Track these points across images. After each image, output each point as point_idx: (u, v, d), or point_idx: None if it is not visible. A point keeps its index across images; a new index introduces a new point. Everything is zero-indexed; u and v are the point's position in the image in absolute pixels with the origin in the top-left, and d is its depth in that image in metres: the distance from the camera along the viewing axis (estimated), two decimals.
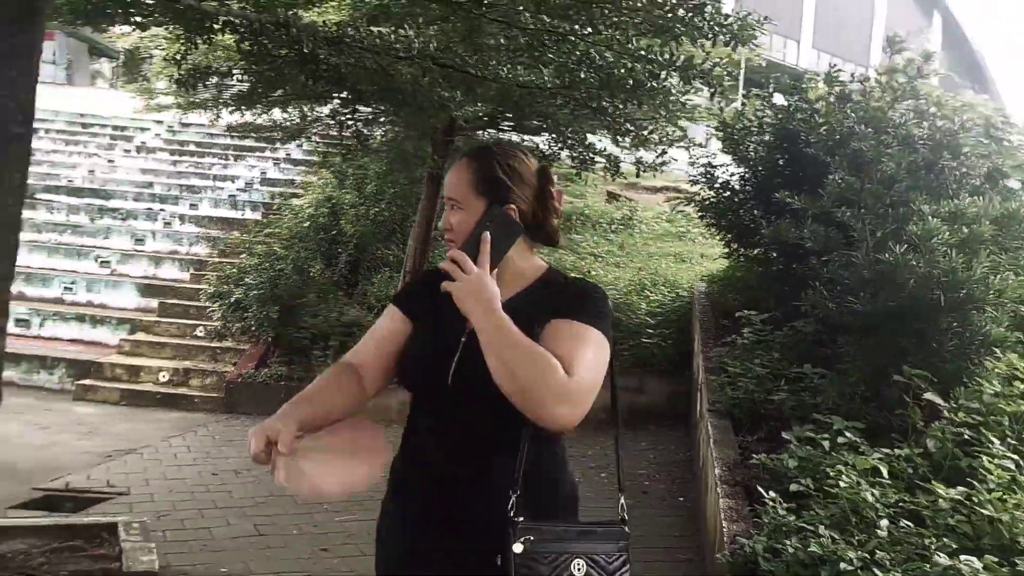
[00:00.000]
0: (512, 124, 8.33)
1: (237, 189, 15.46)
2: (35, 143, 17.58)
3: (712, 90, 4.87)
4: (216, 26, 4.65)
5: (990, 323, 4.60)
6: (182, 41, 4.92)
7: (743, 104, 8.68)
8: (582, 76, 4.94)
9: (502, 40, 4.57)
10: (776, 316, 6.46)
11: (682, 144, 7.88)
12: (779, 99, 7.22)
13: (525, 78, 5.07)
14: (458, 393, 1.85)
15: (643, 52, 4.67)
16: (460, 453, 1.87)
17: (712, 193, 7.88)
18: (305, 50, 4.35)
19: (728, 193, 7.79)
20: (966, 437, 4.01)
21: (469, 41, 4.66)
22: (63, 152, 17.16)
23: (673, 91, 5.70)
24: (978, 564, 3.03)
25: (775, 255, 7.05)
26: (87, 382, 9.09)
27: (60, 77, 25.18)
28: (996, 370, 4.42)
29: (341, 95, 7.13)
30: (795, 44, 38.05)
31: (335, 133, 10.20)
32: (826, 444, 4.26)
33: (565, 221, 14.20)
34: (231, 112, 9.91)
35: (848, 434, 4.32)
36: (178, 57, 5.33)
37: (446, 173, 2.02)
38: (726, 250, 8.25)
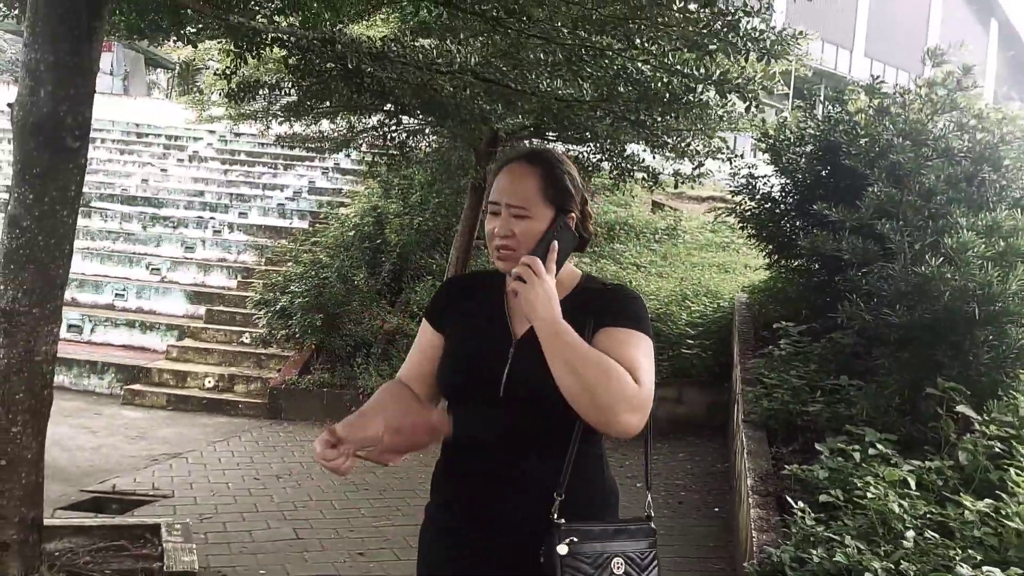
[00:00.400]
0: (556, 135, 8.41)
1: (286, 198, 15.74)
2: (91, 152, 18.13)
3: (747, 103, 4.89)
4: (265, 42, 4.80)
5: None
6: (232, 56, 5.08)
7: (785, 115, 8.65)
8: (620, 90, 5.01)
9: (541, 55, 4.66)
10: (814, 328, 6.44)
11: (723, 155, 7.89)
12: (822, 110, 7.21)
13: (564, 91, 5.16)
14: (507, 400, 1.87)
15: (679, 67, 4.73)
16: (507, 457, 1.89)
17: (753, 204, 7.88)
18: (350, 65, 4.48)
19: (769, 204, 7.78)
20: (997, 450, 4.00)
21: (509, 56, 4.76)
22: (118, 161, 17.62)
23: (711, 104, 5.75)
24: (1000, 575, 3.03)
25: (815, 266, 7.04)
26: (136, 387, 9.34)
27: (117, 87, 25.84)
28: None
29: (385, 107, 7.27)
30: (847, 52, 37.68)
31: (381, 144, 10.36)
32: (857, 456, 4.26)
33: (609, 231, 14.26)
34: (280, 123, 10.14)
35: (879, 446, 4.33)
36: (228, 72, 5.52)
37: (494, 177, 2.02)
38: (767, 261, 8.22)
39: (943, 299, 4.58)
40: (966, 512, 3.56)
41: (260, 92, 6.73)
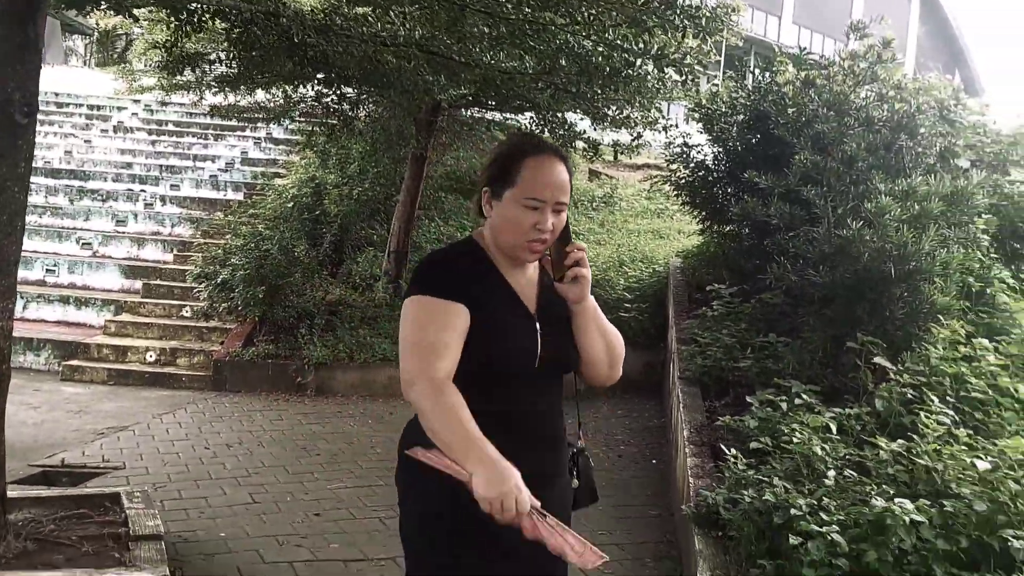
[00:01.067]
0: (495, 104, 8.56)
1: (218, 169, 15.54)
2: None
3: (683, 77, 5.14)
4: (207, 14, 4.85)
5: (937, 293, 4.93)
6: (172, 29, 5.11)
7: (717, 85, 8.93)
8: (562, 63, 5.21)
9: (485, 29, 4.81)
10: (745, 289, 6.77)
11: (659, 125, 8.15)
12: (751, 80, 7.49)
13: (507, 64, 5.32)
14: (541, 371, 2.14)
15: (619, 42, 4.94)
16: (554, 421, 2.23)
17: (687, 172, 8.16)
18: (296, 39, 4.57)
19: (703, 172, 8.08)
20: (909, 396, 4.34)
21: (453, 30, 4.90)
22: (38, 132, 17.12)
23: (649, 77, 5.98)
24: (910, 506, 3.35)
25: (746, 231, 7.36)
26: (74, 363, 9.27)
27: None
28: (941, 336, 4.73)
29: (324, 78, 7.33)
30: (776, 19, 38.31)
31: (319, 113, 10.37)
32: (784, 406, 4.58)
33: None
34: (214, 94, 10.07)
35: (804, 396, 4.65)
36: (169, 44, 5.53)
37: (518, 167, 2.08)
38: (700, 227, 8.53)
39: (862, 260, 4.91)
40: (881, 452, 3.88)
41: (198, 64, 6.72)
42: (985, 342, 4.79)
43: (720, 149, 7.65)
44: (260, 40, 4.98)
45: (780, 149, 6.25)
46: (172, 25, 5.11)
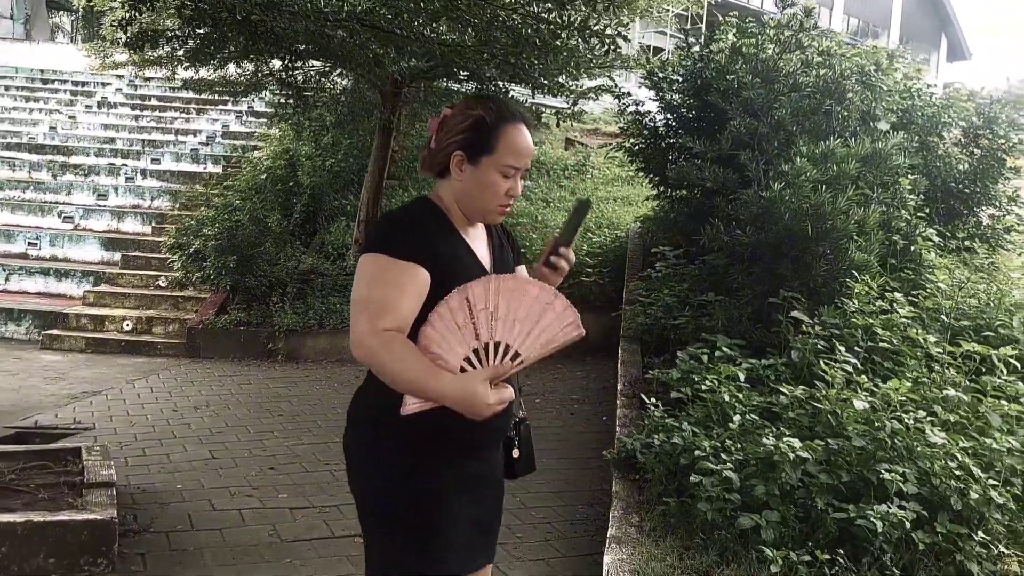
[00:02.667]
0: (445, 76, 8.77)
1: (199, 143, 15.73)
2: None
3: (606, 48, 5.37)
4: None
5: (855, 250, 5.19)
6: (127, 6, 5.31)
7: (668, 54, 9.13)
8: (497, 36, 5.43)
9: (422, 4, 5.02)
10: (690, 251, 7.03)
11: (611, 92, 8.36)
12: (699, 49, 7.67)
13: (447, 37, 5.54)
14: None
15: (543, 15, 5.15)
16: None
17: (641, 139, 8.38)
18: (239, 16, 4.78)
19: (655, 139, 8.30)
20: (820, 347, 4.61)
21: (390, 4, 5.10)
22: (23, 109, 17.32)
23: (580, 49, 6.20)
24: (797, 444, 3.63)
25: (695, 195, 7.60)
26: (54, 332, 9.53)
27: (19, 32, 25.06)
28: (856, 291, 4.99)
29: (281, 55, 7.53)
30: None
31: (289, 87, 10.54)
32: (705, 358, 4.85)
33: None
34: (186, 69, 10.24)
35: (725, 349, 4.93)
36: (124, 22, 5.72)
37: (497, 132, 2.10)
38: (655, 192, 8.76)
39: (783, 220, 5.17)
40: (781, 398, 4.16)
41: (160, 41, 6.91)
42: (899, 296, 5.06)
43: (670, 116, 7.87)
44: (209, 17, 5.18)
45: (718, 116, 6.48)
46: (125, 2, 5.31)
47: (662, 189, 8.51)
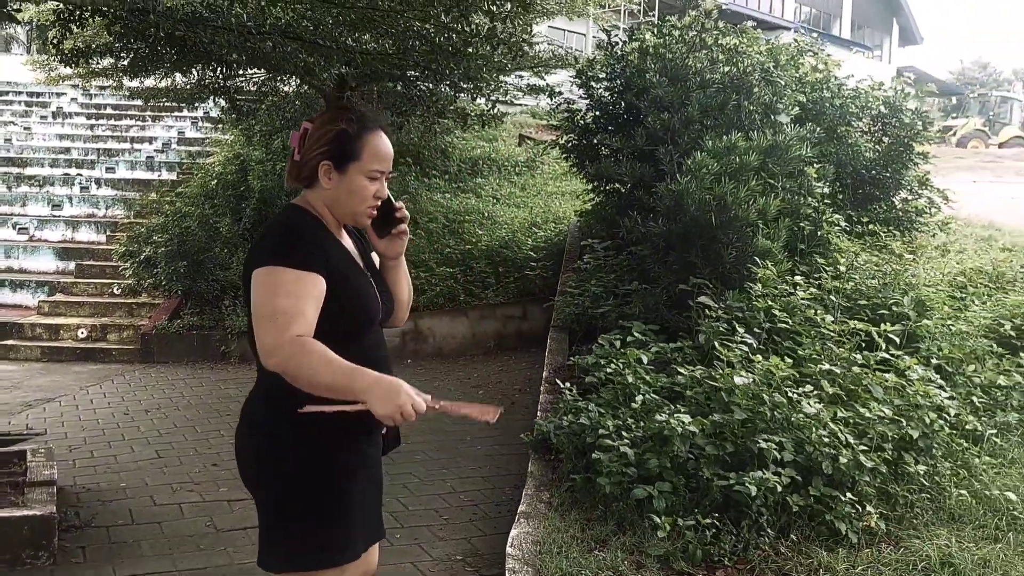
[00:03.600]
0: (373, 79, 9.01)
1: (154, 150, 15.83)
2: None
3: (512, 54, 5.67)
4: (86, 14, 5.26)
5: (761, 237, 5.50)
6: (57, 25, 5.50)
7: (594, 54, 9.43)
8: (415, 44, 5.71)
9: (340, 17, 5.27)
10: (619, 243, 7.32)
11: (544, 90, 8.65)
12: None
13: (369, 46, 5.80)
14: (382, 320, 2.39)
15: (452, 25, 5.43)
16: (389, 367, 2.33)
17: (573, 136, 8.67)
18: (161, 33, 5.00)
19: (587, 136, 8.59)
20: (722, 330, 4.92)
21: (310, 18, 5.35)
22: None
23: (492, 55, 6.49)
24: (687, 419, 3.93)
25: (625, 189, 7.90)
26: (9, 342, 9.67)
27: None
28: (759, 276, 5.31)
29: (212, 66, 7.74)
30: None
31: (226, 95, 10.73)
32: (618, 344, 5.15)
33: (473, 166, 14.86)
34: (131, 79, 10.39)
35: (637, 334, 5.23)
36: (56, 40, 5.92)
37: (359, 140, 2.24)
38: (590, 186, 9.04)
39: (690, 211, 5.47)
40: (678, 378, 4.47)
41: (94, 56, 7.10)
42: (799, 279, 5.38)
43: (599, 113, 8.15)
44: (138, 33, 5.39)
45: (638, 113, 6.77)
46: (57, 21, 5.51)
47: (596, 184, 8.80)
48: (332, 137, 2.25)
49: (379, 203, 2.31)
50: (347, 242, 2.38)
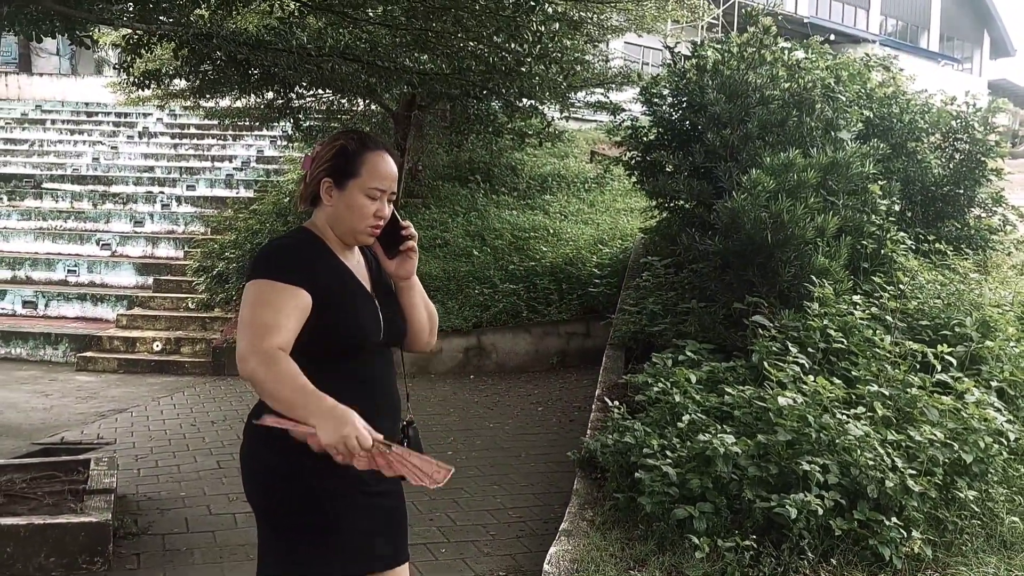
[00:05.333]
0: (432, 101, 9.14)
1: (234, 168, 16.32)
2: (41, 135, 18.47)
3: (565, 73, 5.69)
4: (153, 40, 5.48)
5: (818, 256, 5.39)
6: (126, 51, 5.74)
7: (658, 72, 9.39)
8: (471, 65, 5.80)
9: (396, 39, 5.39)
10: (678, 260, 7.25)
11: (608, 107, 8.64)
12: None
13: (426, 67, 5.91)
14: (386, 343, 2.37)
15: (505, 45, 5.49)
16: (389, 390, 2.37)
17: (638, 153, 8.63)
18: (224, 57, 5.18)
19: (653, 153, 8.54)
20: (775, 349, 4.82)
21: (367, 39, 5.47)
22: (68, 142, 18.13)
23: (545, 74, 6.52)
24: (730, 440, 3.87)
25: (685, 206, 7.83)
26: (88, 354, 10.05)
27: (65, 67, 26.10)
28: (816, 295, 5.19)
29: (275, 87, 7.97)
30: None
31: (297, 116, 10.99)
32: (669, 362, 5.10)
33: (542, 183, 14.90)
34: (204, 100, 10.75)
35: (689, 352, 5.16)
36: (126, 65, 6.17)
37: (359, 160, 2.27)
38: (653, 204, 8.98)
39: (745, 228, 5.39)
40: (726, 397, 4.40)
41: (163, 80, 7.38)
42: (858, 298, 5.25)
43: (663, 130, 8.10)
44: (203, 56, 5.59)
45: (697, 130, 6.72)
46: (127, 46, 5.75)
47: (658, 201, 8.74)
48: (332, 154, 2.30)
49: (381, 222, 2.32)
50: (353, 262, 2.38)
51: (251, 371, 2.06)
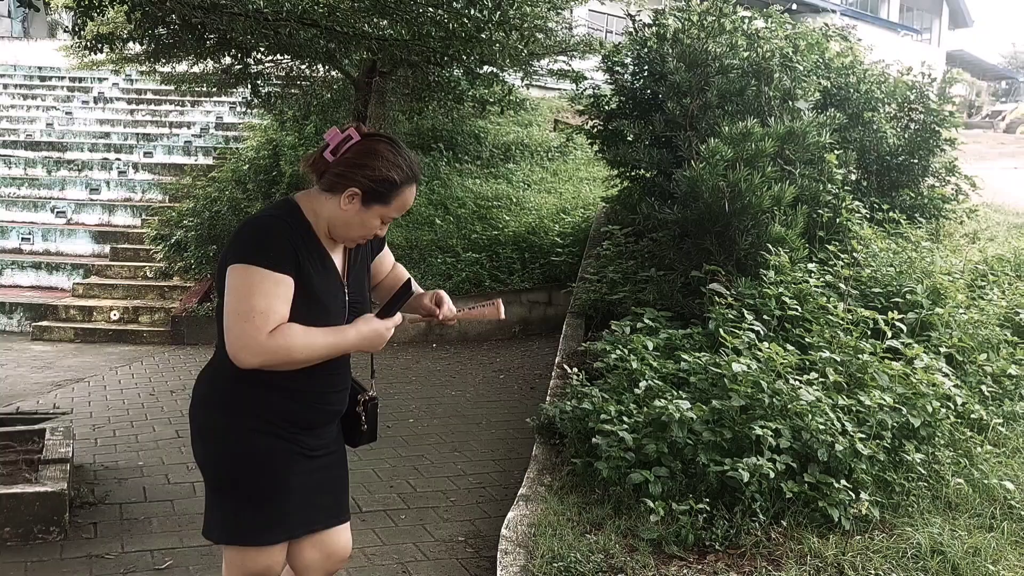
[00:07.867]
0: (393, 67, 9.05)
1: (192, 135, 16.07)
2: None
3: (525, 40, 5.66)
4: (105, 2, 5.36)
5: (775, 225, 5.45)
6: (77, 13, 5.61)
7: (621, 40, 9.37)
8: (430, 31, 5.74)
9: (354, 4, 5.32)
10: (638, 229, 7.29)
11: (569, 75, 8.62)
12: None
13: (386, 32, 5.84)
14: (348, 323, 2.38)
15: (464, 11, 5.45)
16: (345, 367, 2.48)
17: (599, 121, 8.62)
18: (179, 20, 5.09)
19: (614, 122, 8.54)
20: (731, 316, 4.88)
21: (325, 3, 5.40)
22: (21, 107, 17.72)
23: (509, 41, 6.48)
24: (685, 404, 3.93)
25: (646, 175, 7.85)
26: (44, 323, 9.91)
27: (17, 30, 25.41)
28: (772, 262, 5.25)
29: (232, 52, 7.84)
30: None
31: (251, 81, 10.81)
32: (628, 330, 5.14)
33: (506, 151, 14.83)
34: (160, 65, 10.55)
35: (648, 320, 5.21)
36: (77, 28, 6.04)
37: (397, 188, 2.29)
38: (615, 172, 9.00)
39: (703, 197, 5.43)
40: (682, 364, 4.45)
41: (116, 44, 7.22)
42: (813, 266, 5.33)
43: (624, 99, 8.10)
44: (157, 20, 5.48)
45: (658, 99, 6.73)
46: (77, 7, 5.61)
47: (620, 170, 8.76)
48: (379, 179, 2.27)
49: (374, 236, 2.40)
50: (331, 245, 2.39)
51: (270, 359, 2.20)
